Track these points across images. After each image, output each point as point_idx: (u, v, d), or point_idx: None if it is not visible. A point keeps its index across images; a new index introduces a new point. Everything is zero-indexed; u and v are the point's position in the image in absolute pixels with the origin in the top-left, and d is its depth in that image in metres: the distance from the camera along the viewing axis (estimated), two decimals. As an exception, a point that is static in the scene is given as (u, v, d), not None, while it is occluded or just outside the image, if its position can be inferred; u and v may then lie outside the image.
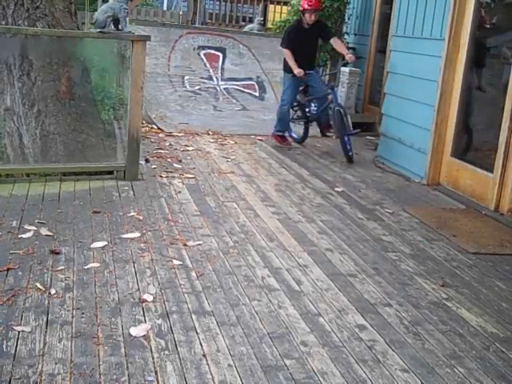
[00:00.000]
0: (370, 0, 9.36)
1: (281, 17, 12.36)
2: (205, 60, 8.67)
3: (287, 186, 5.39)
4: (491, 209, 5.10)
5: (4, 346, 2.58)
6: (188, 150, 6.39)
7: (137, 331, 2.78)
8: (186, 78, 8.37)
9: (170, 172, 5.47)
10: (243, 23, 15.07)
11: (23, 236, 3.74)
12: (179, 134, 7.10)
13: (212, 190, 5.06)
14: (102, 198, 4.61)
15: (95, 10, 8.89)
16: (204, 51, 8.76)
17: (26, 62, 5.11)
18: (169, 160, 5.87)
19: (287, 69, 6.71)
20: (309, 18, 6.54)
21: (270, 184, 5.42)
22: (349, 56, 6.55)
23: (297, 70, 6.48)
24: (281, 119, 6.93)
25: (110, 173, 5.15)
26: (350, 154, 6.55)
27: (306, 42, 6.64)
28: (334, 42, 6.71)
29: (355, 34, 9.66)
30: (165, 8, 17.20)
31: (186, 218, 4.35)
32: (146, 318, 2.91)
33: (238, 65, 8.91)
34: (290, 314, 3.09)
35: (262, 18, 12.90)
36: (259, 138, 7.28)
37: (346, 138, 6.52)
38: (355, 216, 4.75)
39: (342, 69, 8.81)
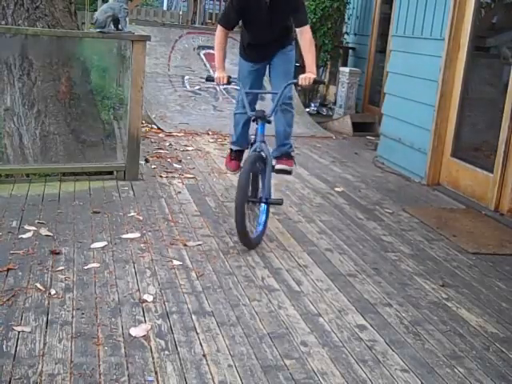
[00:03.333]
0: (369, 0, 9.37)
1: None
2: (205, 60, 8.66)
3: (287, 186, 5.38)
4: (491, 209, 5.10)
5: (4, 346, 2.58)
6: (188, 150, 6.39)
7: (137, 331, 2.78)
8: (186, 77, 8.36)
9: (170, 172, 5.47)
10: (243, 23, 15.06)
11: (23, 236, 3.74)
12: (179, 134, 7.10)
13: (212, 190, 5.06)
14: (102, 198, 4.61)
15: (95, 10, 8.90)
16: (204, 51, 8.75)
17: (26, 61, 5.12)
18: (169, 160, 5.87)
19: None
20: None
21: (269, 184, 5.41)
22: (303, 77, 3.96)
23: (216, 74, 4.17)
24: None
25: (110, 173, 5.15)
26: (256, 239, 3.87)
27: (263, 20, 4.08)
28: (302, 38, 4.10)
29: (355, 34, 9.68)
30: (165, 8, 17.21)
31: (186, 218, 4.35)
32: (146, 319, 2.91)
33: (237, 64, 8.87)
34: (290, 314, 3.09)
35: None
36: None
37: (262, 207, 3.93)
38: (355, 216, 4.75)
39: (342, 69, 8.83)
